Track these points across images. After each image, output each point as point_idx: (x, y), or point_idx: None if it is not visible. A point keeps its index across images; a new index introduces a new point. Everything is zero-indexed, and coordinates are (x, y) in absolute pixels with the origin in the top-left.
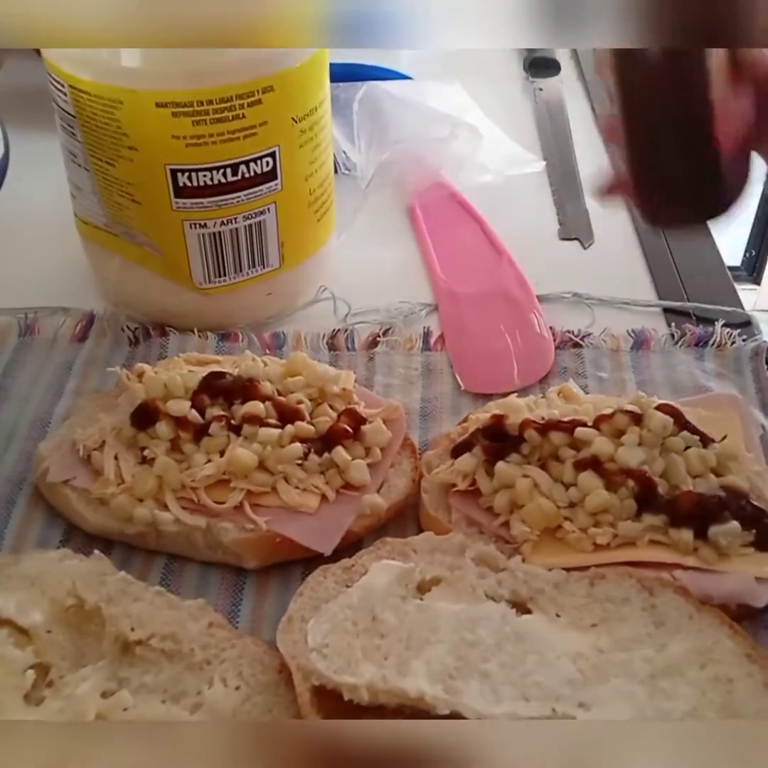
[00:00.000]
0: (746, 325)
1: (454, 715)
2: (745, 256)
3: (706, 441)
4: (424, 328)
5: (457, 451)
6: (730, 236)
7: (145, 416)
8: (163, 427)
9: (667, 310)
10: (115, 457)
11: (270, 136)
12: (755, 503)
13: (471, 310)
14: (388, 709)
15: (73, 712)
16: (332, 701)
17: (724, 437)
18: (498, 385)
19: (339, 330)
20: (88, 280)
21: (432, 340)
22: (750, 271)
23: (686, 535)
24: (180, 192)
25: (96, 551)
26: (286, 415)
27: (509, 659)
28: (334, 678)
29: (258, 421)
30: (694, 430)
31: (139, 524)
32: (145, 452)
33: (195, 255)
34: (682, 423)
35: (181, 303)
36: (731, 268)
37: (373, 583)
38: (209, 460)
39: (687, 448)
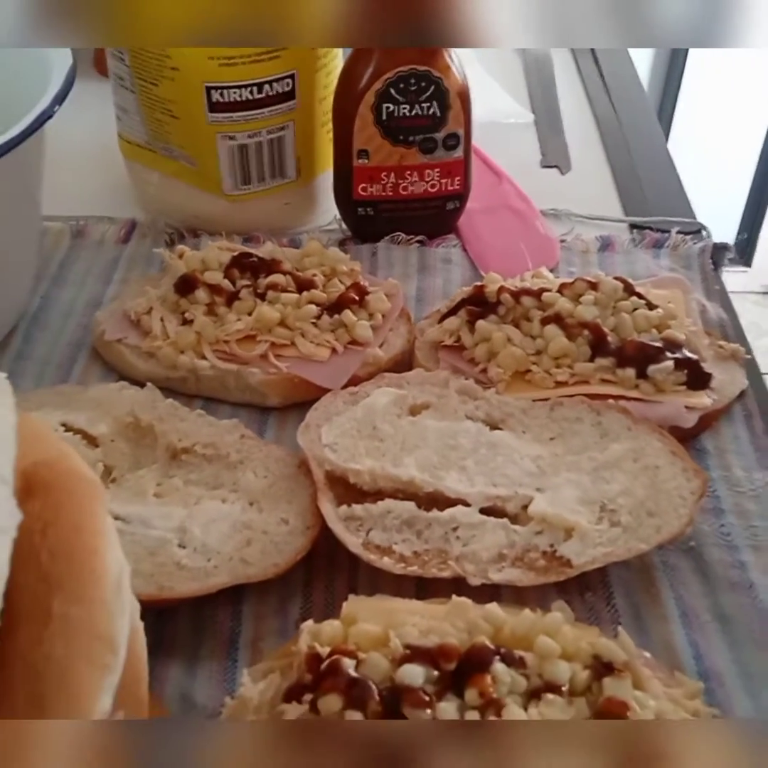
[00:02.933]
0: (698, 232)
1: (438, 495)
2: (737, 238)
3: (651, 306)
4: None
5: (445, 316)
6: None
7: (185, 285)
8: (201, 294)
9: (632, 226)
10: (161, 319)
11: (290, 60)
12: (688, 351)
13: (482, 220)
14: (384, 492)
15: (135, 491)
16: (340, 487)
17: (668, 303)
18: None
19: (348, 237)
20: (129, 194)
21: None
22: (741, 254)
23: (630, 373)
24: (213, 107)
25: (149, 383)
26: (303, 285)
27: (482, 458)
28: (342, 465)
29: (280, 288)
30: (641, 297)
31: (181, 370)
32: (186, 315)
33: (225, 165)
34: (631, 290)
35: (212, 210)
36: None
37: (373, 402)
38: (239, 319)
39: (635, 309)
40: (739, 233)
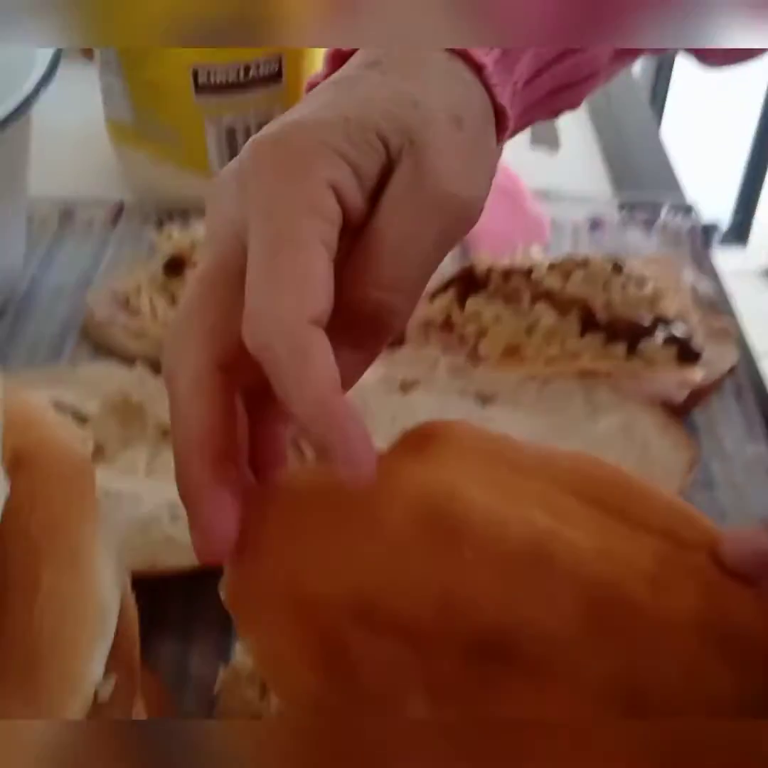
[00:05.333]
0: (688, 211)
1: None
2: (732, 219)
3: (641, 283)
4: None
5: (435, 295)
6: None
7: (174, 266)
8: (190, 274)
9: (622, 205)
10: (150, 300)
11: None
12: (679, 327)
13: None
14: None
15: (125, 469)
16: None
17: (659, 280)
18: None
19: None
20: (117, 176)
21: None
22: (737, 234)
23: (620, 348)
24: (200, 89)
25: (138, 363)
26: None
27: None
28: None
29: None
30: (631, 274)
31: None
32: (175, 295)
33: (213, 146)
34: (621, 268)
35: (200, 191)
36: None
37: (363, 380)
38: None
39: (624, 286)
40: (734, 213)
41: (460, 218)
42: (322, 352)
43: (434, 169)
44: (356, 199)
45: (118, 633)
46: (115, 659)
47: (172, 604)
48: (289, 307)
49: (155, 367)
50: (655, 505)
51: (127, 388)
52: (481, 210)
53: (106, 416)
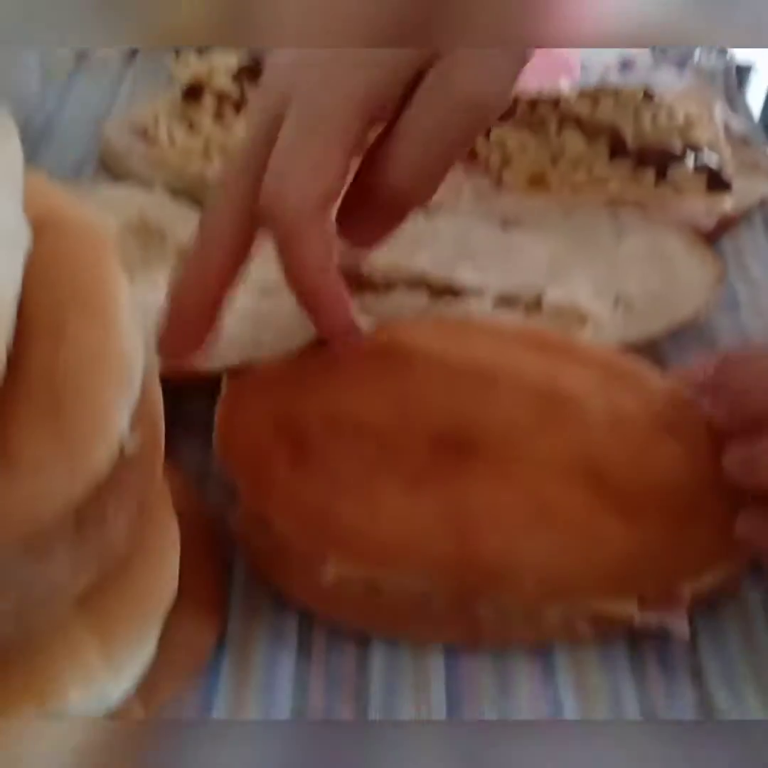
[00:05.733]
0: (722, 51)
1: (450, 288)
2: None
3: (672, 112)
4: None
5: None
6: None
7: (193, 92)
8: (208, 100)
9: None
10: (168, 128)
11: None
12: (709, 155)
13: None
14: (396, 286)
15: (146, 287)
16: (352, 282)
17: (691, 111)
18: None
19: None
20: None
21: None
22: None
23: (649, 175)
24: None
25: (157, 186)
26: None
27: (496, 256)
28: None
29: None
30: (661, 103)
31: (189, 179)
32: (193, 123)
33: None
34: (651, 95)
35: None
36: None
37: None
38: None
39: (655, 115)
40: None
41: (482, 117)
42: (316, 236)
43: (459, 71)
44: (392, 96)
45: (144, 393)
46: (140, 418)
47: (195, 409)
48: (297, 190)
49: (174, 193)
50: (595, 351)
51: (146, 211)
52: (507, 100)
53: (125, 238)
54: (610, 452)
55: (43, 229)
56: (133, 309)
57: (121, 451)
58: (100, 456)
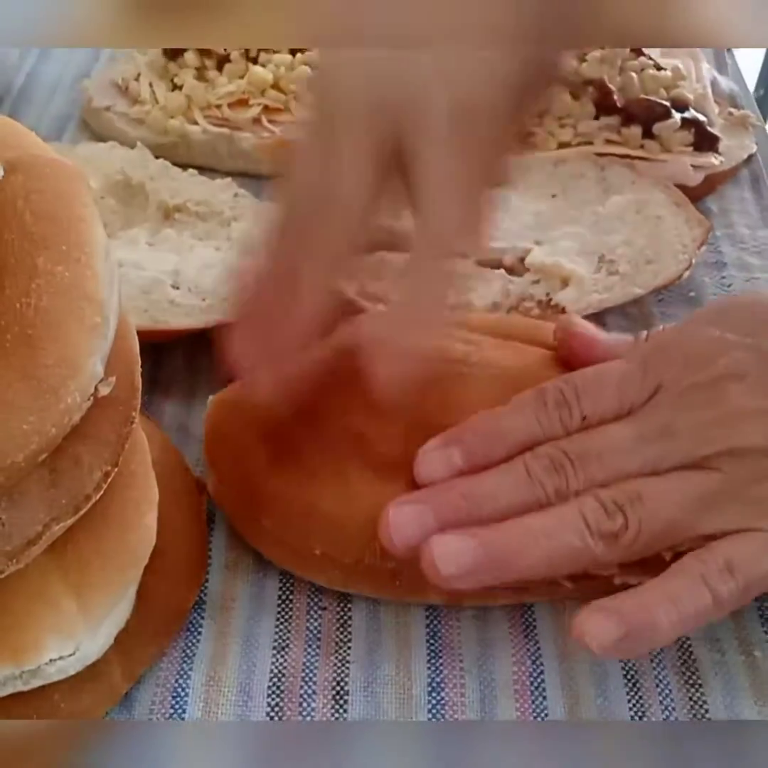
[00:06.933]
0: None
1: None
2: (754, 95)
3: (659, 67)
4: None
5: None
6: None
7: (174, 48)
8: (190, 57)
9: None
10: (150, 85)
11: None
12: (696, 112)
13: None
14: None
15: (127, 244)
16: None
17: (678, 67)
18: None
19: None
20: None
21: None
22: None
23: (635, 131)
24: None
25: (138, 143)
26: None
27: None
28: None
29: (273, 49)
30: (648, 58)
31: (172, 135)
32: (175, 79)
33: None
34: (639, 51)
35: None
36: None
37: None
38: (231, 83)
39: (643, 70)
40: (755, 90)
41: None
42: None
43: None
44: None
45: (119, 339)
46: (114, 363)
47: (175, 368)
48: None
49: (156, 151)
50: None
51: (127, 168)
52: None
53: (106, 195)
54: None
55: (15, 169)
56: (109, 252)
57: (95, 394)
58: (73, 397)
